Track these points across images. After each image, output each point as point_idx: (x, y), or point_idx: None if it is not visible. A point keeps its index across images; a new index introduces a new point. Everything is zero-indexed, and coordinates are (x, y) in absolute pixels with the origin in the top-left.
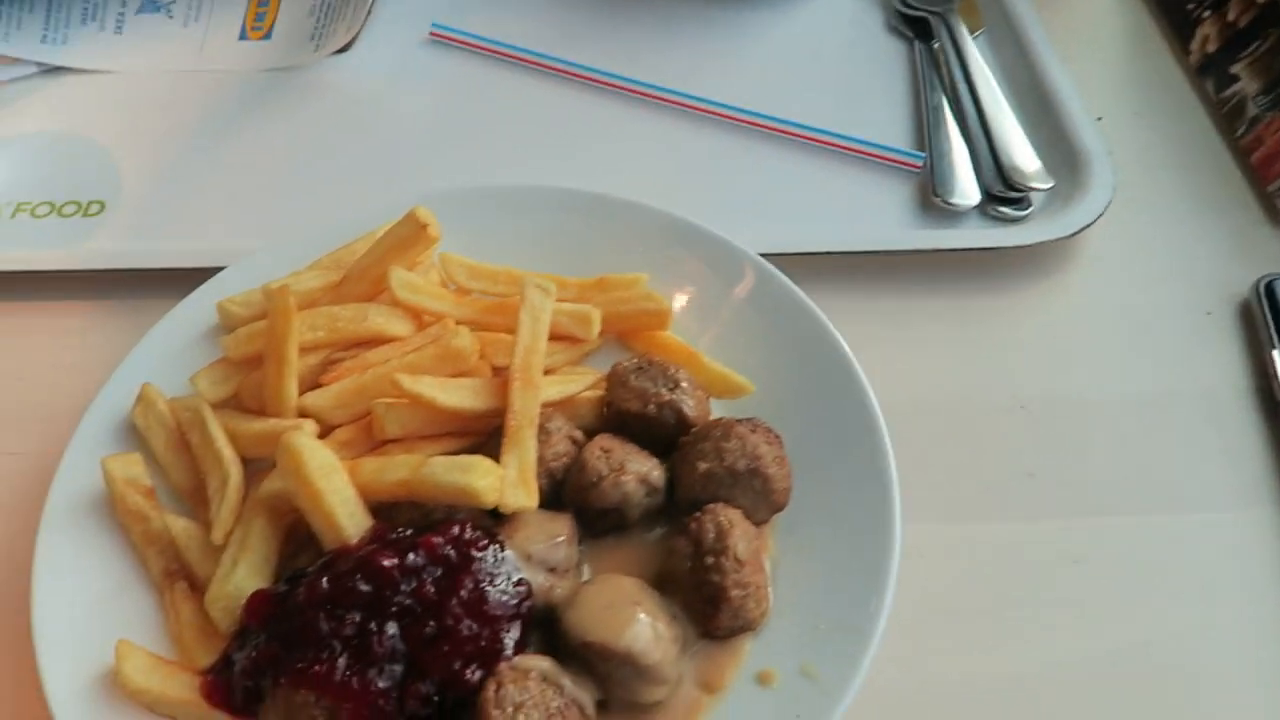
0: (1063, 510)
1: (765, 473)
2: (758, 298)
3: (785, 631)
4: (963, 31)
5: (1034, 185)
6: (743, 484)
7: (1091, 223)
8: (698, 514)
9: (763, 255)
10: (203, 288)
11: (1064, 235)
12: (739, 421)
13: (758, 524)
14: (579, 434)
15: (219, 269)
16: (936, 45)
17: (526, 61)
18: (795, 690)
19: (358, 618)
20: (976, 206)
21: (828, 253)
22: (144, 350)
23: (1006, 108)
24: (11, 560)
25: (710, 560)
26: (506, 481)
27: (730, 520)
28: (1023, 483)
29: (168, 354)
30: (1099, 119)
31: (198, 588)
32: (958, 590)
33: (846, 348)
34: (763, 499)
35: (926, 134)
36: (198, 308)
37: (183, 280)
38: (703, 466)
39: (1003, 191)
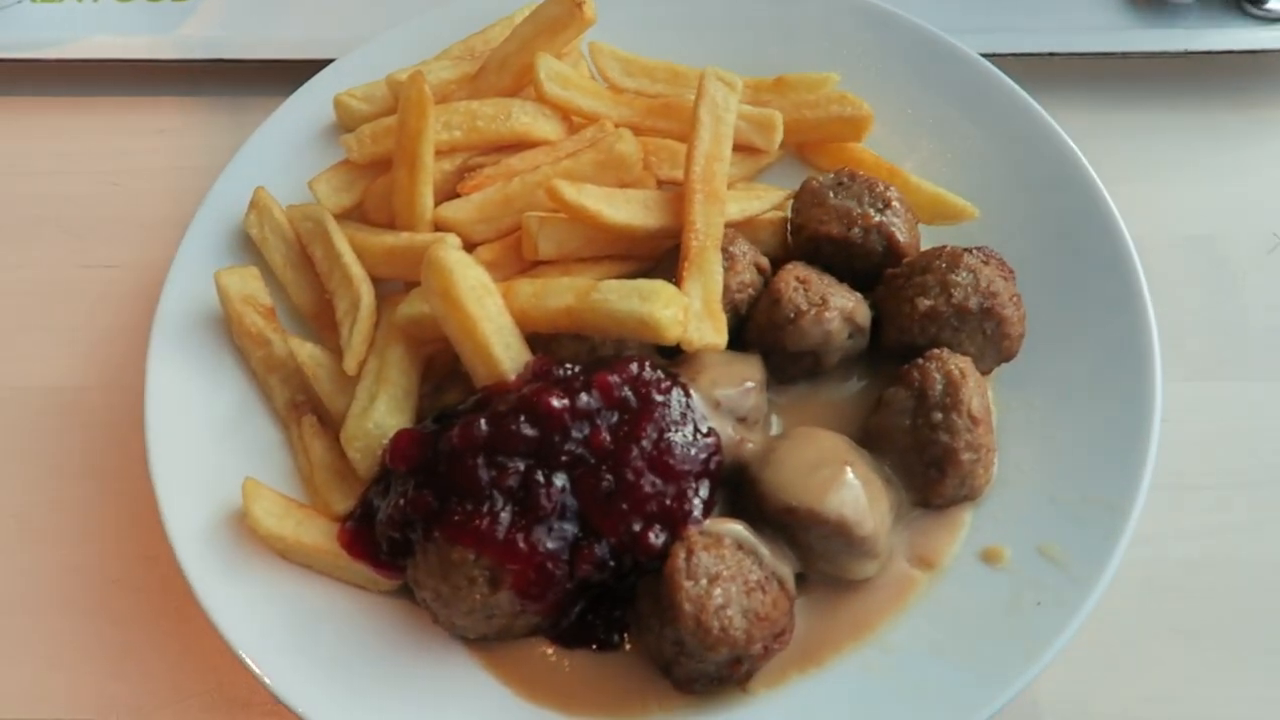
0: None
1: (1000, 313)
2: (977, 105)
3: (1014, 503)
4: None
5: None
6: (971, 326)
7: None
8: (920, 360)
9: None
10: (316, 79)
11: None
12: (967, 251)
13: (983, 374)
14: (765, 261)
15: (330, 60)
16: None
17: None
18: (1033, 573)
19: (522, 466)
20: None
21: (1052, 54)
22: (253, 150)
23: None
24: (120, 385)
25: (938, 416)
26: (691, 313)
27: (962, 370)
28: None
29: (280, 155)
30: None
31: (329, 423)
32: (1209, 459)
33: (1090, 169)
34: (992, 345)
35: None
36: (311, 102)
37: (289, 74)
38: (924, 304)
39: None
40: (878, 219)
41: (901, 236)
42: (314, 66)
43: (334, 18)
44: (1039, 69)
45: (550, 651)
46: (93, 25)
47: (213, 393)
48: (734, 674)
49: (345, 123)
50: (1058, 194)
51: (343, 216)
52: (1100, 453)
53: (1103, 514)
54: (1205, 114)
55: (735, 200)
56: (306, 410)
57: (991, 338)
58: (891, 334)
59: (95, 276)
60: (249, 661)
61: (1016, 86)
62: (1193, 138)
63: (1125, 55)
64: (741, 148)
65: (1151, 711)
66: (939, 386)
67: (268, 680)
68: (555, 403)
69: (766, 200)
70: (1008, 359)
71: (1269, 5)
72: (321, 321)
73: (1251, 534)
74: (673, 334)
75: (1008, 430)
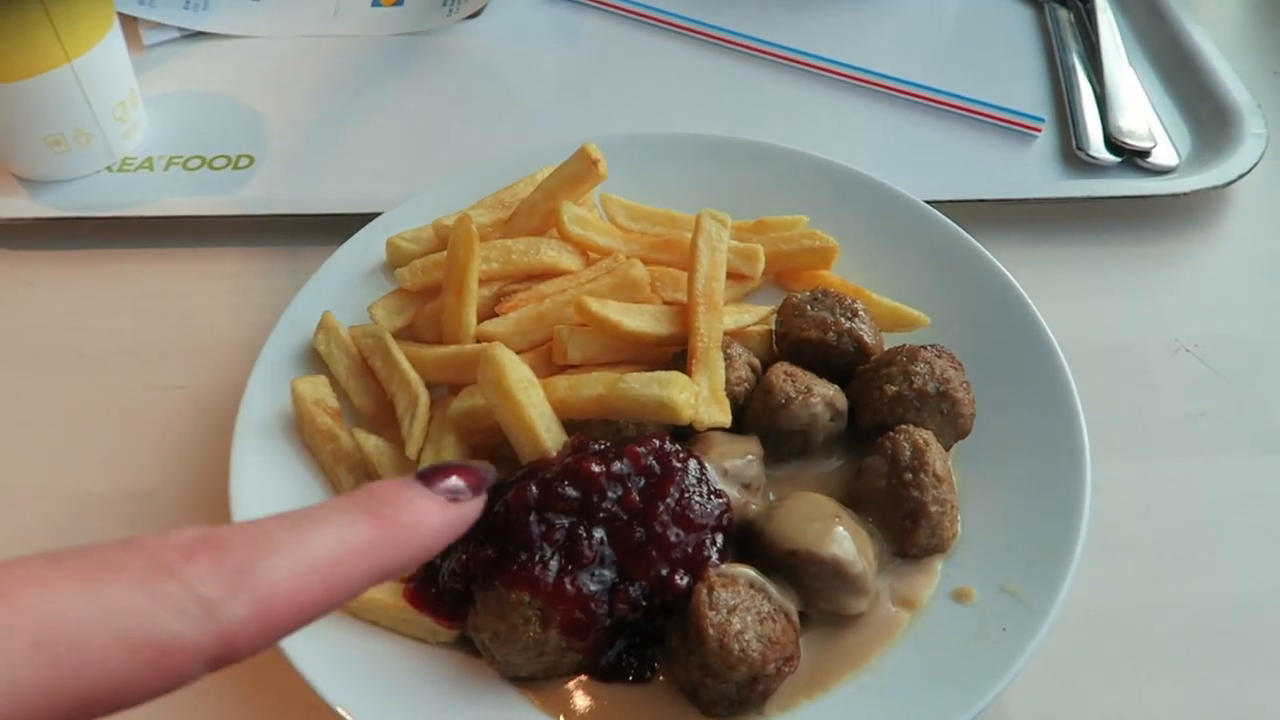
0: (1236, 448)
1: (954, 395)
2: (922, 239)
3: (977, 553)
4: None
5: (1139, 145)
6: (930, 407)
7: (1249, 170)
8: (891, 433)
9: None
10: (369, 227)
11: (1220, 184)
12: (923, 347)
13: (945, 448)
14: (757, 361)
15: (370, 214)
16: (1069, 11)
17: (647, 18)
18: (997, 606)
19: (567, 523)
20: (1119, 163)
21: (979, 200)
22: (317, 282)
23: (1129, 69)
24: (193, 487)
25: (909, 476)
26: (701, 398)
27: (925, 439)
28: (1195, 422)
29: (340, 287)
30: (1276, 72)
31: None
32: (1138, 523)
33: (1021, 290)
34: (949, 423)
35: (1065, 92)
36: (364, 246)
37: (334, 226)
38: (890, 390)
39: (1130, 143)
40: (848, 325)
41: (869, 339)
42: (358, 219)
43: (374, 179)
44: (975, 212)
45: (592, 687)
46: (163, 191)
47: (288, 484)
48: (752, 694)
49: (395, 260)
50: (996, 312)
51: (397, 335)
52: (1046, 513)
53: (1051, 558)
54: (1113, 247)
55: (730, 314)
56: None
57: (948, 416)
58: (865, 417)
59: (167, 396)
60: (339, 709)
61: (953, 223)
62: (1105, 266)
63: (1042, 200)
64: (731, 275)
65: (1100, 713)
66: (908, 452)
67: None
68: (595, 468)
69: (755, 314)
70: (962, 436)
71: (1092, 153)
72: (380, 421)
73: (1166, 581)
74: (687, 414)
75: (968, 495)
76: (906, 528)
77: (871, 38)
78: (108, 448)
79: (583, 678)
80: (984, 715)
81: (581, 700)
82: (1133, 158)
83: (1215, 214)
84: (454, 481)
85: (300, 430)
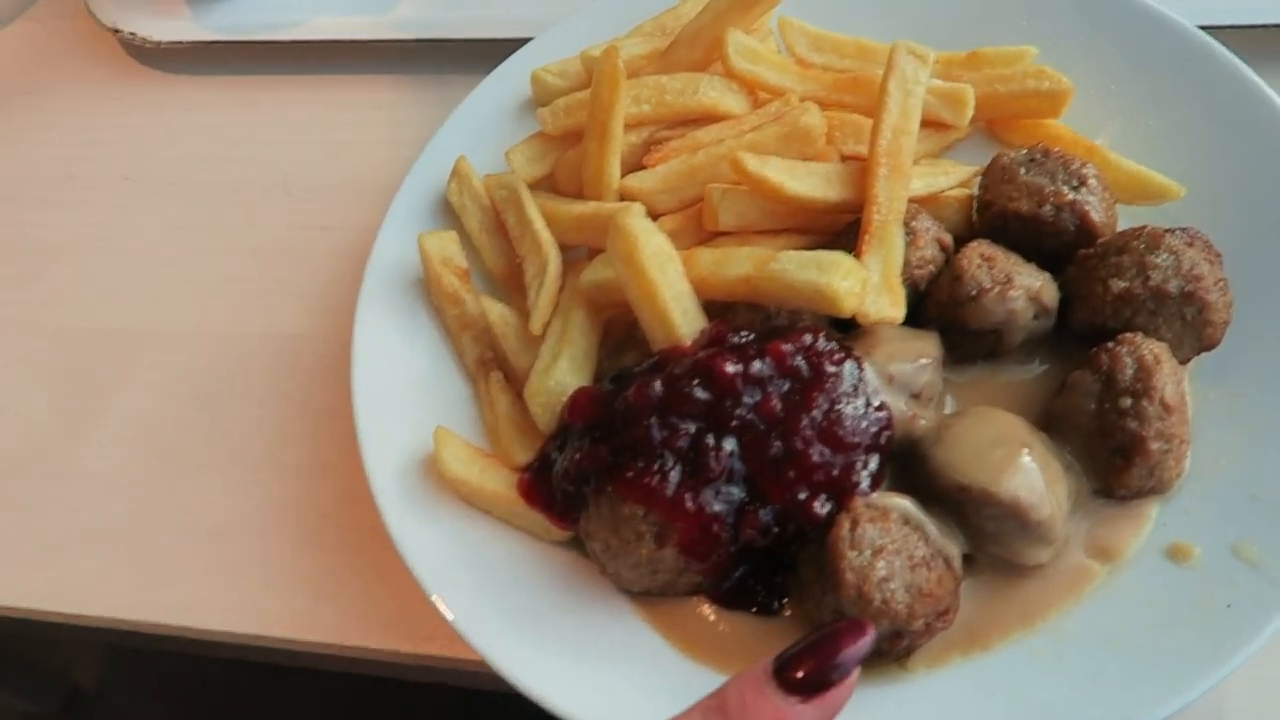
0: None
1: (1204, 298)
2: (1188, 78)
3: (1206, 499)
4: None
5: None
6: (1170, 311)
7: None
8: (1110, 344)
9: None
10: (514, 57)
11: None
12: (1169, 232)
13: (1180, 363)
14: (948, 238)
15: (530, 39)
16: None
17: None
18: (1225, 573)
19: (693, 429)
20: None
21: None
22: (456, 123)
23: None
24: (334, 336)
25: (1127, 402)
26: (869, 286)
27: (1156, 355)
28: None
29: (481, 128)
30: None
31: (514, 379)
32: None
33: None
34: (1192, 332)
35: None
36: (510, 79)
37: (491, 53)
38: (1118, 285)
39: None
40: (1071, 196)
41: (1096, 215)
42: (517, 45)
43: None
44: (1264, 42)
45: (711, 611)
46: (318, 8)
47: (411, 348)
48: (894, 649)
49: (541, 98)
50: (1273, 171)
51: (536, 186)
52: None
53: None
54: None
55: (920, 175)
56: (494, 367)
57: (1192, 324)
58: (1081, 316)
59: (314, 237)
60: (434, 597)
61: (1234, 57)
62: None
63: None
64: (930, 123)
65: None
66: (1129, 371)
67: (450, 616)
68: (729, 368)
69: (953, 176)
70: (1209, 348)
71: None
72: (512, 284)
73: None
74: (849, 305)
75: (1205, 421)
76: (1116, 465)
77: None
78: (258, 289)
79: (702, 600)
80: (1190, 711)
81: (698, 625)
82: None
83: None
84: (813, 676)
85: (428, 290)
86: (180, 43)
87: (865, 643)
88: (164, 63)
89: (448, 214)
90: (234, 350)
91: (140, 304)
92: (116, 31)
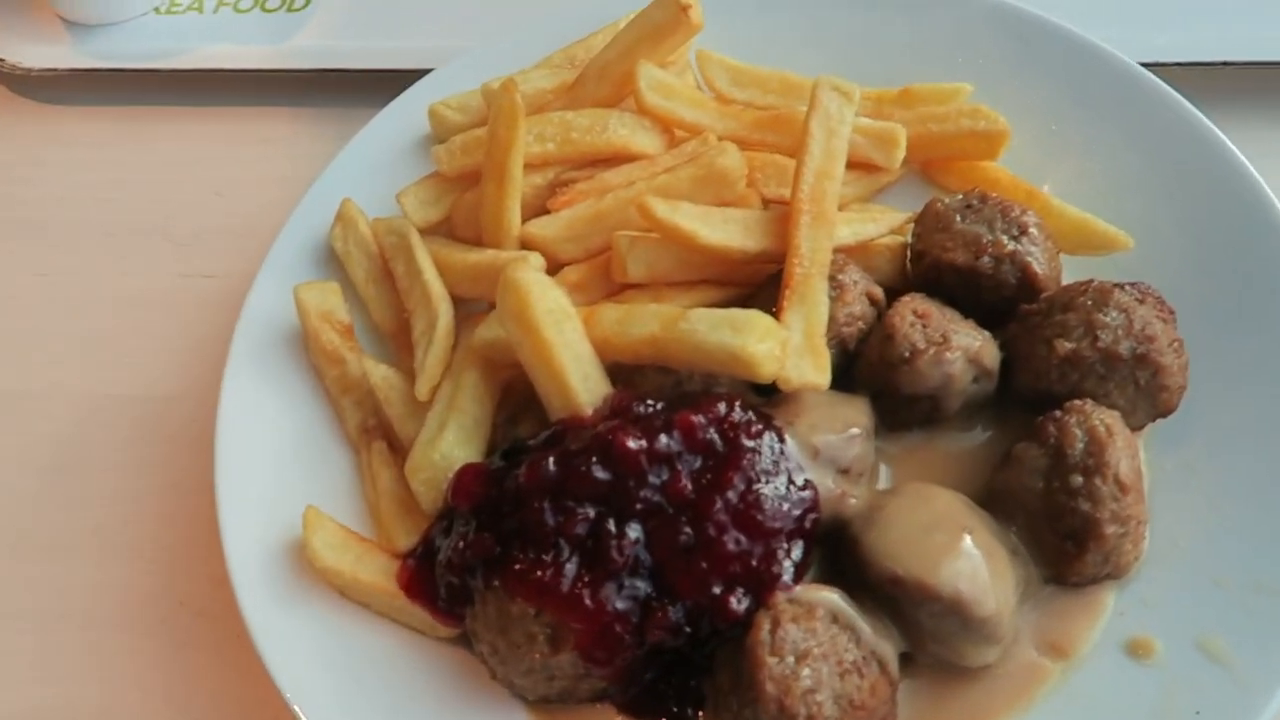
0: None
1: (1158, 361)
2: (1133, 119)
3: (1168, 586)
4: None
5: None
6: (1121, 375)
7: None
8: (1058, 412)
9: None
10: (412, 89)
11: None
12: (1118, 286)
13: (1134, 431)
14: (879, 292)
15: (425, 70)
16: None
17: None
18: (1190, 672)
19: (592, 513)
20: None
21: (1218, 64)
22: (344, 161)
23: None
24: (208, 399)
25: (1078, 481)
26: (790, 347)
27: (1108, 426)
28: None
29: (372, 167)
30: None
31: (398, 449)
32: None
33: (1266, 188)
34: (1146, 398)
35: None
36: (407, 113)
37: (394, 84)
38: (1064, 346)
39: None
40: (1011, 247)
41: (1039, 267)
42: (416, 76)
43: (443, 29)
44: (1211, 80)
45: None
46: (211, 36)
47: (286, 411)
48: None
49: (439, 134)
50: (1227, 218)
51: (430, 231)
52: (1277, 527)
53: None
54: None
55: (848, 223)
56: (377, 436)
57: (1146, 389)
58: (1024, 379)
59: (194, 286)
60: (295, 706)
61: (1181, 98)
62: None
63: None
64: (860, 165)
65: None
66: (1080, 445)
67: None
68: (631, 443)
69: (883, 223)
70: (1165, 414)
71: None
72: (400, 341)
73: None
74: (768, 370)
75: (1162, 495)
76: (1068, 551)
77: None
78: (128, 346)
79: (607, 708)
80: None
81: None
82: None
83: None
84: None
85: (305, 347)
86: (56, 70)
87: None
88: (39, 92)
89: (333, 263)
90: (93, 413)
91: None
92: None
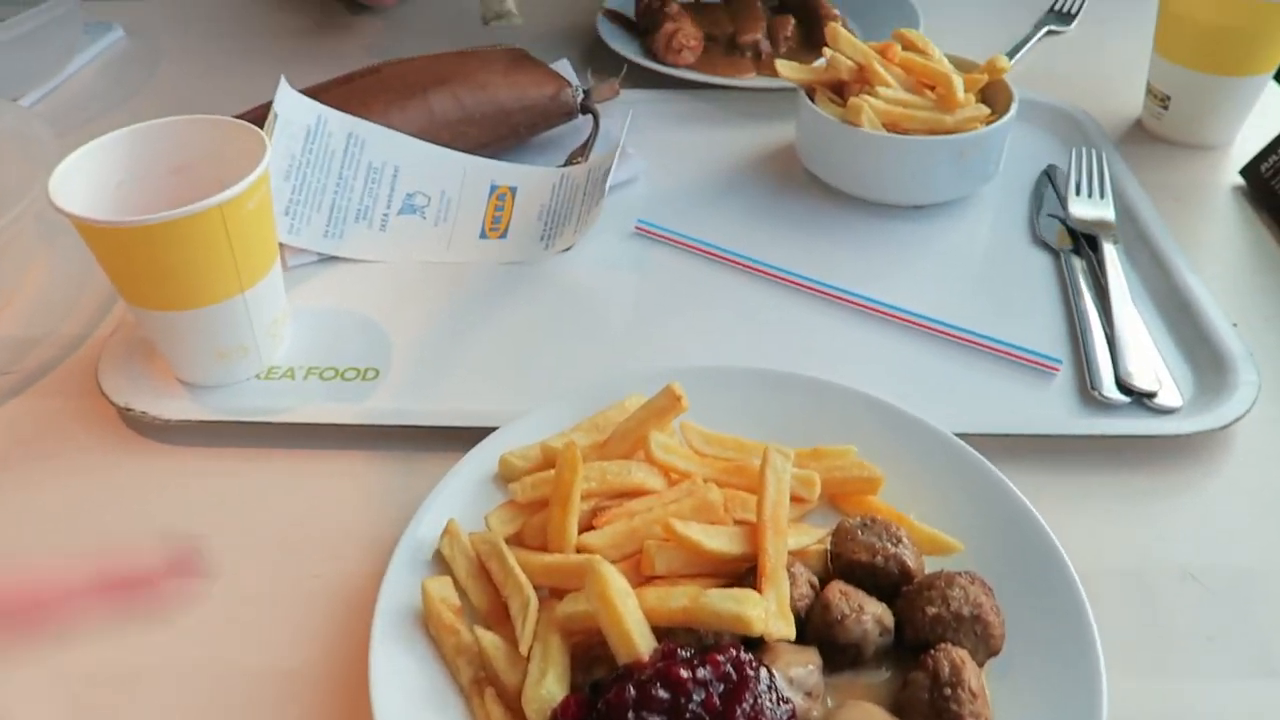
0: (1242, 673)
1: (985, 619)
2: (952, 471)
3: None
4: (1111, 247)
5: (1145, 387)
6: (965, 628)
7: (1243, 415)
8: (932, 651)
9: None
10: (486, 441)
11: (1218, 427)
12: (958, 574)
13: (978, 665)
14: (815, 580)
15: (477, 428)
16: (1082, 259)
17: (716, 256)
18: None
19: None
20: (1129, 403)
21: (1004, 435)
22: (441, 491)
23: (1135, 314)
24: (336, 668)
25: (948, 691)
26: (770, 613)
27: (961, 658)
28: (1202, 645)
29: (460, 497)
30: (1234, 324)
31: (504, 694)
32: None
33: (1038, 515)
34: (982, 643)
35: (1079, 335)
36: (481, 459)
37: (444, 438)
38: (931, 611)
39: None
40: (894, 550)
41: (911, 563)
42: (467, 432)
43: (481, 394)
44: (1000, 445)
45: None
46: (302, 398)
47: (418, 673)
48: None
49: (506, 475)
50: (1019, 540)
51: (507, 542)
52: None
53: None
54: (1125, 479)
55: (792, 535)
56: (487, 685)
57: (981, 637)
58: (910, 633)
59: (303, 584)
60: None
61: (981, 456)
62: (1117, 497)
63: (1060, 436)
64: (792, 498)
65: None
66: (946, 669)
67: None
68: (683, 673)
69: (812, 536)
70: (994, 654)
71: (1105, 393)
72: (495, 617)
73: None
74: (759, 628)
75: (999, 708)
76: None
77: (908, 277)
78: (254, 626)
79: None
80: None
81: None
82: (1141, 398)
83: (1217, 451)
84: None
85: (428, 624)
86: (188, 420)
87: None
88: (166, 436)
89: (437, 564)
90: (242, 681)
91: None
92: (128, 410)
